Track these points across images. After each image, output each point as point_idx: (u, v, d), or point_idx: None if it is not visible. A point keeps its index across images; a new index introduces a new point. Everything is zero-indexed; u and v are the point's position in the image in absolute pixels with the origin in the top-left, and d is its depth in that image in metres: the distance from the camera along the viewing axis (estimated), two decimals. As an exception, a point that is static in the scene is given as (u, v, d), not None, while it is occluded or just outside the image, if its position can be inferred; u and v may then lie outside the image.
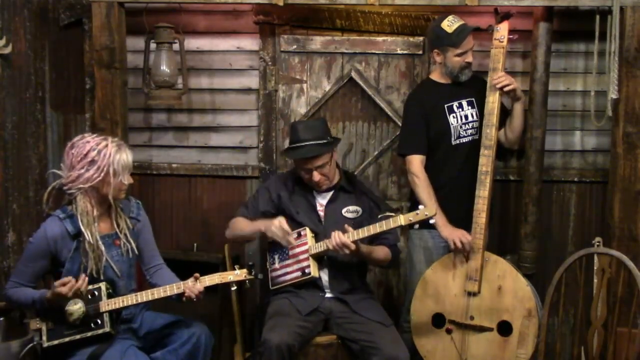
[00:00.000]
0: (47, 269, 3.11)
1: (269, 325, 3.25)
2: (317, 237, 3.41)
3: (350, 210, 3.53)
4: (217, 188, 4.39)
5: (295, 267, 3.41)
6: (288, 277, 3.44)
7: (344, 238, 3.25)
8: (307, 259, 3.38)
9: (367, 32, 4.14)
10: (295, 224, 3.46)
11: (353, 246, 3.26)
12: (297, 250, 3.41)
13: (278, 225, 3.35)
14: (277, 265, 3.46)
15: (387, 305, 3.69)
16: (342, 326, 3.39)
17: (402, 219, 3.22)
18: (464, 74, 3.68)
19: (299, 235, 3.40)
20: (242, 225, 3.54)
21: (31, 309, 3.09)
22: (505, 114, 3.72)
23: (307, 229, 3.40)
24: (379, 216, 3.31)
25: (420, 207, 3.26)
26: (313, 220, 3.49)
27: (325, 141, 3.44)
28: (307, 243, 3.37)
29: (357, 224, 3.45)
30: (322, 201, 3.54)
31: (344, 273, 3.48)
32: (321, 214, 3.52)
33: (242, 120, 4.32)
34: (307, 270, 3.37)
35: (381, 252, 3.47)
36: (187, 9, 4.12)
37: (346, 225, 3.31)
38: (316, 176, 3.43)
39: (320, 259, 3.45)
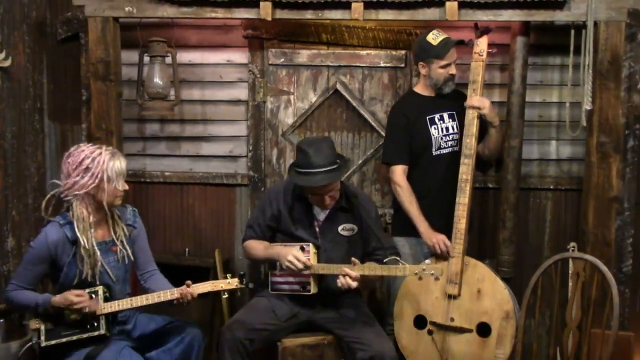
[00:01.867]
0: (47, 273, 3.16)
1: (236, 316, 3.32)
2: (318, 253, 3.40)
3: (346, 228, 3.48)
4: (207, 195, 4.42)
5: (297, 279, 3.40)
6: (287, 287, 3.43)
7: (353, 274, 3.22)
8: (309, 275, 3.35)
9: (352, 46, 4.18)
10: (293, 238, 3.44)
11: (359, 279, 3.25)
12: None
13: (293, 260, 3.28)
14: (277, 272, 3.44)
15: (371, 309, 3.67)
16: (325, 326, 3.44)
17: (407, 270, 3.20)
18: (447, 85, 3.75)
19: (302, 249, 3.33)
20: (256, 251, 3.49)
21: (32, 311, 3.13)
22: (485, 129, 3.77)
23: (311, 245, 3.35)
24: (385, 260, 3.27)
25: (427, 261, 3.26)
26: (310, 236, 3.44)
27: (336, 166, 3.29)
28: (310, 260, 3.32)
29: (351, 241, 3.48)
30: (319, 217, 3.47)
31: (332, 281, 3.39)
32: (317, 229, 3.46)
33: (232, 131, 4.35)
34: (307, 287, 3.37)
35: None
36: (179, 24, 4.14)
37: (353, 259, 3.27)
38: (327, 200, 3.36)
39: (321, 277, 3.43)
